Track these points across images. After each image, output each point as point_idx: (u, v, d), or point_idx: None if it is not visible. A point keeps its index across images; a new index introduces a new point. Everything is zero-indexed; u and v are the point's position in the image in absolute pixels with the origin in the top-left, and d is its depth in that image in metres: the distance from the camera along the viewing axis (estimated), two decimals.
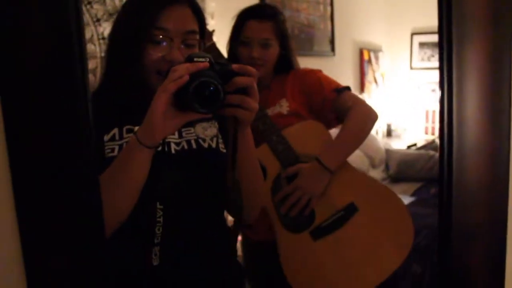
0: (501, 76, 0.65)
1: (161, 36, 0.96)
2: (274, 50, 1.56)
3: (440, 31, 0.67)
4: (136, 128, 0.87)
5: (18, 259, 0.60)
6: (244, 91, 0.86)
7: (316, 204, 1.49)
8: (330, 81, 1.61)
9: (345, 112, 1.55)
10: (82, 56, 0.56)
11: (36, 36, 0.55)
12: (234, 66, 0.86)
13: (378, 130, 4.65)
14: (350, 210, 1.50)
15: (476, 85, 0.66)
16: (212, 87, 0.80)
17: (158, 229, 0.94)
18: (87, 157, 0.62)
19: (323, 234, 1.47)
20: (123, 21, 1.00)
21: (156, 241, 0.94)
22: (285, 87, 1.61)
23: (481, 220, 0.67)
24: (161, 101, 0.80)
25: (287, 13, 3.25)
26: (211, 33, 1.54)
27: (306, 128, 1.55)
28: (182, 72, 0.80)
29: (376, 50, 4.62)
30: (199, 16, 1.02)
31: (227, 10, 2.24)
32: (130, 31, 0.96)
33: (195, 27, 1.00)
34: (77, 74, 0.56)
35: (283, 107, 1.58)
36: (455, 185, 0.67)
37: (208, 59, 0.83)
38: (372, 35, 4.58)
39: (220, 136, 1.07)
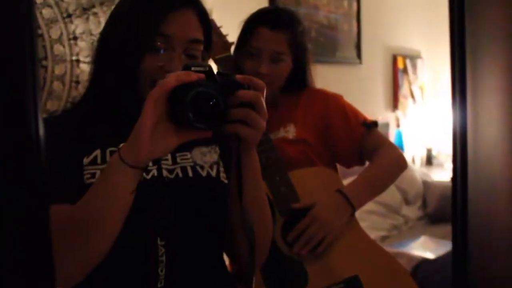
0: None
1: (160, 43, 1.01)
2: (286, 65, 1.59)
3: (452, 42, 0.70)
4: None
5: None
6: (250, 106, 0.88)
7: (310, 268, 1.48)
8: (356, 112, 1.65)
9: (371, 153, 1.60)
10: (32, 63, 0.55)
11: None
12: (239, 77, 0.90)
13: (415, 157, 4.65)
14: (353, 284, 1.48)
15: (493, 102, 0.70)
16: (212, 99, 0.83)
17: (161, 270, 0.97)
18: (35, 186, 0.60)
19: None
20: (120, 23, 1.04)
21: (159, 285, 0.97)
22: (295, 110, 1.64)
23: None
24: (150, 110, 0.82)
25: (302, 11, 3.29)
26: (229, 44, 1.58)
27: (318, 175, 1.58)
28: (172, 78, 0.83)
29: (413, 57, 4.66)
30: (206, 24, 1.07)
31: (229, 5, 2.28)
32: (128, 35, 1.01)
33: (199, 35, 1.05)
34: (27, 85, 0.55)
35: (290, 132, 1.61)
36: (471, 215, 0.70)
37: (207, 69, 0.87)
38: (409, 38, 4.63)
39: (221, 164, 1.10)
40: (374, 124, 1.64)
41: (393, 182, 1.63)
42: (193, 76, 0.84)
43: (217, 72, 0.89)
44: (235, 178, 0.96)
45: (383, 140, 1.64)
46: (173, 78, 0.83)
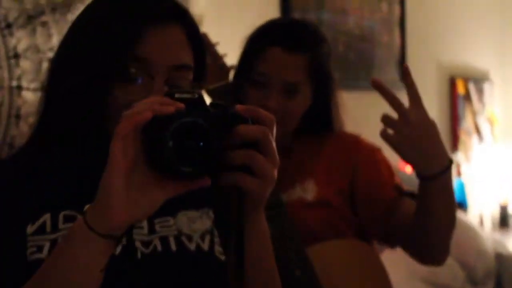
0: None
1: (135, 70, 1.02)
2: (304, 99, 1.62)
3: None
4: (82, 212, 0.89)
5: None
6: (255, 147, 0.89)
7: None
8: (392, 173, 1.68)
9: (403, 230, 1.58)
10: None
11: None
12: (240, 107, 0.91)
13: (483, 218, 4.64)
14: None
15: None
16: (201, 134, 0.84)
17: None
18: None
19: None
20: (82, 39, 1.06)
21: None
22: (316, 161, 1.67)
23: None
24: (119, 152, 0.83)
25: (325, 16, 3.35)
26: (227, 69, 1.60)
27: (346, 251, 1.59)
28: (142, 107, 0.84)
29: (478, 79, 4.69)
30: (197, 44, 1.09)
31: (227, 12, 2.32)
32: (92, 57, 1.03)
33: (188, 59, 1.06)
34: None
35: (308, 192, 1.63)
36: None
37: (196, 96, 0.88)
38: (473, 54, 4.68)
39: (216, 233, 1.10)
40: (410, 194, 1.64)
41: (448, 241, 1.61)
42: (172, 105, 0.84)
43: (210, 103, 0.90)
44: (235, 251, 0.95)
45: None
46: (145, 107, 0.84)
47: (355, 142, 1.70)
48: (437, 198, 1.47)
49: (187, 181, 0.86)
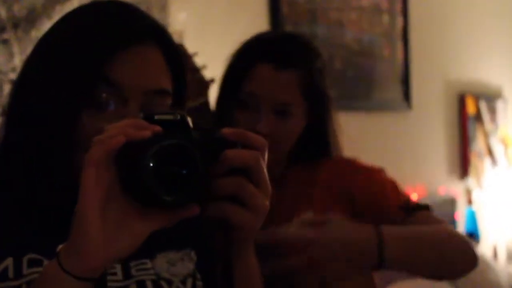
0: None
1: (106, 95, 1.01)
2: (297, 122, 1.61)
3: None
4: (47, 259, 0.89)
5: None
6: (244, 174, 0.89)
7: None
8: (397, 192, 1.66)
9: None
10: None
11: None
12: (227, 131, 0.91)
13: (497, 249, 4.64)
14: None
15: None
16: (185, 159, 0.83)
17: None
18: None
19: None
20: (47, 60, 1.05)
21: None
22: (314, 191, 1.65)
23: None
24: (91, 182, 0.81)
25: (319, 30, 3.34)
26: (207, 83, 1.59)
27: None
28: (116, 131, 0.83)
29: (490, 97, 4.71)
30: (176, 66, 1.09)
31: (207, 26, 2.32)
32: (59, 80, 1.01)
33: (165, 83, 1.06)
34: None
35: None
36: None
37: (179, 117, 0.88)
38: (483, 69, 4.71)
39: (198, 277, 1.10)
40: (422, 207, 1.64)
41: (451, 274, 1.66)
42: (148, 128, 0.84)
43: (196, 125, 0.89)
44: None
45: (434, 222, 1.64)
46: (117, 131, 0.83)
47: (352, 166, 1.69)
48: (410, 266, 1.57)
49: (172, 212, 0.84)
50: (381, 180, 1.68)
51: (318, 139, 1.67)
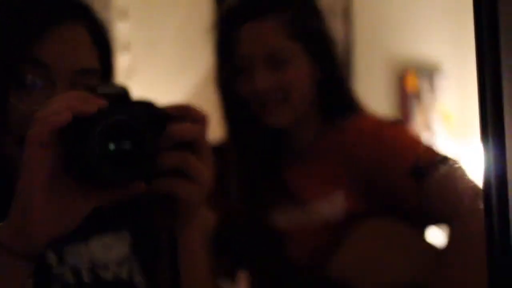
0: None
1: (33, 76, 1.00)
2: (300, 69, 1.56)
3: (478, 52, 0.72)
4: None
5: None
6: (188, 148, 0.90)
7: None
8: (406, 151, 1.58)
9: (441, 216, 1.52)
10: None
11: None
12: (169, 106, 0.92)
13: None
14: None
15: None
16: (130, 134, 0.83)
17: None
18: None
19: None
20: None
21: None
22: (335, 160, 1.59)
23: None
24: (35, 161, 0.80)
25: None
26: None
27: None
28: (59, 106, 0.82)
29: (430, 72, 4.77)
30: (103, 44, 1.08)
31: (151, 36, 2.30)
32: None
33: (93, 62, 1.06)
34: None
35: (337, 209, 1.56)
36: None
37: (123, 91, 0.89)
38: (424, 43, 4.74)
39: (135, 258, 1.10)
40: (440, 162, 1.53)
41: None
42: (94, 101, 0.83)
43: (138, 100, 0.91)
44: (168, 270, 0.96)
45: (458, 192, 1.51)
46: (62, 105, 0.82)
47: (372, 125, 1.64)
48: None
49: (117, 189, 0.85)
50: (395, 137, 1.62)
51: (335, 94, 1.63)
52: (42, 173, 0.81)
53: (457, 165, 1.55)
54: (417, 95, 4.63)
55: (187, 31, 2.09)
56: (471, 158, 4.53)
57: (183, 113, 0.91)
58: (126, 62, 2.30)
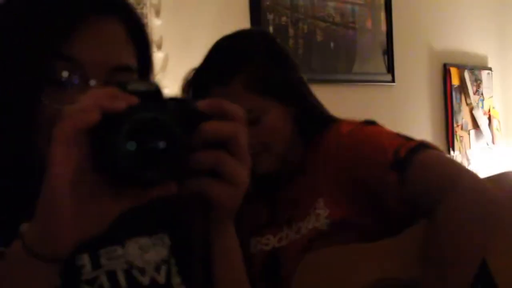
0: None
1: (65, 73, 0.98)
2: (273, 120, 1.62)
3: None
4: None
5: None
6: (223, 147, 0.87)
7: None
8: (384, 146, 1.59)
9: (427, 204, 1.49)
10: None
11: None
12: (203, 102, 0.89)
13: None
14: None
15: None
16: (162, 134, 0.81)
17: None
18: None
19: None
20: None
21: None
22: (318, 171, 1.65)
23: None
24: (62, 159, 0.79)
25: (300, 1, 3.30)
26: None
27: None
28: (88, 104, 0.80)
29: (476, 68, 4.71)
30: (141, 41, 1.07)
31: (185, 33, 2.29)
32: (11, 63, 0.98)
33: (130, 59, 1.04)
34: None
35: (320, 217, 1.62)
36: None
37: (154, 88, 0.85)
38: (470, 39, 4.69)
39: (173, 262, 1.09)
40: (421, 146, 1.55)
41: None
42: (124, 99, 0.81)
43: (167, 97, 0.87)
44: (201, 273, 0.97)
45: (442, 170, 1.53)
46: (91, 103, 0.80)
47: (348, 132, 1.66)
48: None
49: (148, 189, 0.83)
50: (365, 140, 1.64)
51: (310, 118, 1.69)
52: (68, 173, 0.79)
53: (435, 149, 1.59)
54: (463, 89, 4.56)
55: (220, 27, 2.07)
56: None
57: (217, 111, 0.88)
58: (159, 59, 2.31)
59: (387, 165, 1.55)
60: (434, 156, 1.57)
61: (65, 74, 0.98)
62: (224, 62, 1.63)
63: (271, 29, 3.02)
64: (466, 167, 1.65)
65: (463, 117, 4.54)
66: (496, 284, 1.46)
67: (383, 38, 3.89)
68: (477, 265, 1.47)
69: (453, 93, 4.46)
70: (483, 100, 4.74)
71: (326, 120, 1.72)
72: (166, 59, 2.40)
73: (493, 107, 4.84)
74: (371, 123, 1.70)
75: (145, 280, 1.05)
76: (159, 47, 2.40)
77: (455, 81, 4.48)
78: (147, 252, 1.07)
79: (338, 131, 1.67)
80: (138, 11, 1.78)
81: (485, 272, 1.47)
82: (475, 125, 4.64)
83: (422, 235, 1.54)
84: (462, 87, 4.55)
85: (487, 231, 1.48)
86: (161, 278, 1.06)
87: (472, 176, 1.53)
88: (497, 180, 1.62)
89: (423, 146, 1.57)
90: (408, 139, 1.61)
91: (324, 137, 1.68)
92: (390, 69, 3.91)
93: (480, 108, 4.70)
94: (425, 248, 1.51)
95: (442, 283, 1.47)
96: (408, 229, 1.58)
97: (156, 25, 2.41)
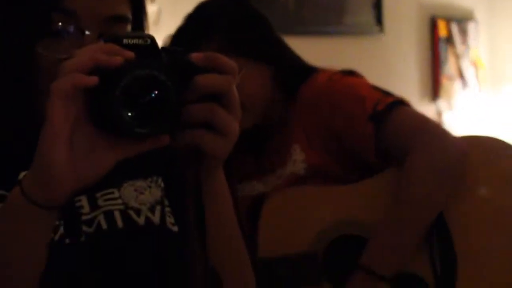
0: None
1: (62, 24, 0.98)
2: (249, 80, 1.61)
3: None
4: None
5: None
6: (215, 100, 0.87)
7: None
8: (361, 99, 1.65)
9: (400, 156, 1.59)
10: None
11: None
12: (196, 55, 0.88)
13: None
14: None
15: None
16: (157, 88, 0.81)
17: None
18: None
19: None
20: None
21: None
22: (296, 119, 1.68)
23: None
24: (59, 112, 0.79)
25: None
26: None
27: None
28: (84, 58, 0.81)
29: (462, 19, 4.69)
30: None
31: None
32: (7, 15, 0.98)
33: (124, 9, 1.02)
34: None
35: (297, 162, 1.65)
36: None
37: (149, 42, 0.85)
38: None
39: (167, 203, 1.11)
40: (397, 102, 1.63)
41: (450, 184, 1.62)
42: (120, 54, 0.81)
43: (164, 48, 0.87)
44: (193, 218, 0.94)
45: (413, 126, 1.62)
46: (86, 57, 0.80)
47: (327, 84, 1.69)
48: None
49: (142, 141, 0.83)
50: (351, 83, 1.68)
51: (289, 73, 1.71)
52: (65, 125, 0.79)
53: (409, 106, 1.66)
54: (448, 41, 4.56)
55: None
56: (501, 105, 4.46)
57: (210, 64, 0.87)
58: (152, 13, 2.30)
59: (365, 116, 1.60)
60: (409, 112, 1.65)
61: (60, 24, 0.97)
62: (193, 31, 1.64)
63: None
64: (440, 123, 1.71)
65: (449, 67, 4.55)
66: (448, 229, 1.58)
67: None
68: (435, 212, 1.59)
69: (440, 44, 4.45)
70: (469, 50, 4.74)
71: (306, 71, 1.72)
72: (159, 12, 2.38)
73: (479, 57, 4.80)
74: (350, 73, 1.72)
75: (141, 220, 1.04)
76: (152, 0, 2.38)
77: (443, 33, 4.47)
78: (142, 194, 1.07)
79: (316, 80, 1.69)
80: None
81: (441, 220, 1.60)
82: (461, 75, 4.65)
83: (390, 181, 1.62)
84: (449, 38, 4.54)
85: (445, 182, 1.60)
86: (156, 219, 1.06)
87: (441, 131, 1.64)
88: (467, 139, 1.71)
89: (399, 102, 1.64)
90: (386, 94, 1.66)
91: (302, 87, 1.69)
92: (380, 21, 3.90)
93: (466, 59, 4.70)
94: (394, 192, 1.59)
95: (400, 223, 1.59)
96: (377, 175, 1.65)
97: None
